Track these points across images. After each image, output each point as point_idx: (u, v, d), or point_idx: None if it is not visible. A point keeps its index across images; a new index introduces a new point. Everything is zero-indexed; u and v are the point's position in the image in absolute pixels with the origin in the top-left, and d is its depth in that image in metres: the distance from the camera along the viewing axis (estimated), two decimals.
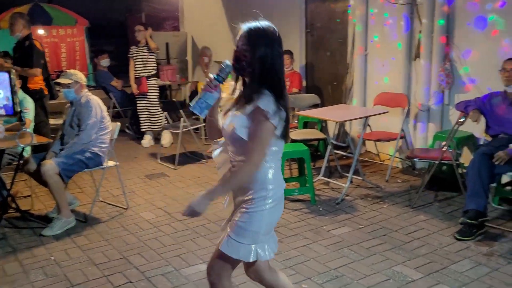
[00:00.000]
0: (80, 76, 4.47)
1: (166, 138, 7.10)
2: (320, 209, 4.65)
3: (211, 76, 2.16)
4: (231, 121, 2.18)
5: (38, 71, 5.65)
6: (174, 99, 9.26)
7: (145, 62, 6.97)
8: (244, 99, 2.17)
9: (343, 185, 5.06)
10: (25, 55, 5.62)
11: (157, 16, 11.94)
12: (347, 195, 4.97)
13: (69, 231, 4.24)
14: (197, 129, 7.19)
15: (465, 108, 4.52)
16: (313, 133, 6.05)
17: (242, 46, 2.13)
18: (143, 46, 6.96)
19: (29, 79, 5.61)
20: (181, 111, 6.23)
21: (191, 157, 6.51)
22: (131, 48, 7.08)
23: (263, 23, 2.15)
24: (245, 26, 2.15)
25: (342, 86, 6.69)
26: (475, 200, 3.97)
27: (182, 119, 6.22)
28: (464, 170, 4.42)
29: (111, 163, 4.69)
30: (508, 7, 4.80)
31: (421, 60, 5.53)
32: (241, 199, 2.25)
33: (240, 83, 2.24)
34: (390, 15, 5.86)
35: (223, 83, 2.19)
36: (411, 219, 4.37)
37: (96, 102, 4.46)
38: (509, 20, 4.80)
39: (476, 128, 4.76)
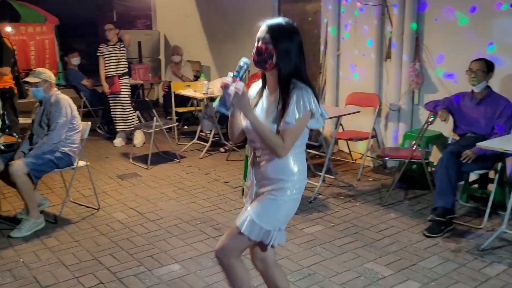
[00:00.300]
0: (49, 75, 4.39)
1: (139, 137, 7.03)
2: None
3: (230, 73, 2.20)
4: (264, 119, 2.25)
5: (7, 69, 5.53)
6: (146, 98, 9.18)
7: (116, 61, 6.88)
8: (273, 94, 2.27)
9: (316, 184, 5.10)
10: None
11: (128, 15, 11.80)
12: (320, 194, 5.02)
13: (38, 233, 4.17)
14: (169, 128, 7.15)
15: (434, 107, 4.62)
16: None
17: (263, 40, 2.20)
18: (114, 45, 6.87)
19: None
20: (154, 111, 6.18)
21: (164, 157, 6.46)
22: (100, 46, 6.94)
23: (281, 19, 2.24)
24: (264, 23, 2.23)
25: (314, 85, 6.74)
26: (443, 197, 4.06)
27: (154, 119, 6.17)
28: (433, 169, 4.51)
29: (81, 163, 4.62)
30: (477, 10, 4.91)
31: (392, 60, 5.62)
32: (269, 188, 2.30)
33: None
34: (361, 16, 5.93)
35: (242, 79, 2.21)
36: (382, 217, 4.45)
37: (66, 101, 4.39)
38: (478, 23, 4.92)
39: (445, 127, 4.86)
